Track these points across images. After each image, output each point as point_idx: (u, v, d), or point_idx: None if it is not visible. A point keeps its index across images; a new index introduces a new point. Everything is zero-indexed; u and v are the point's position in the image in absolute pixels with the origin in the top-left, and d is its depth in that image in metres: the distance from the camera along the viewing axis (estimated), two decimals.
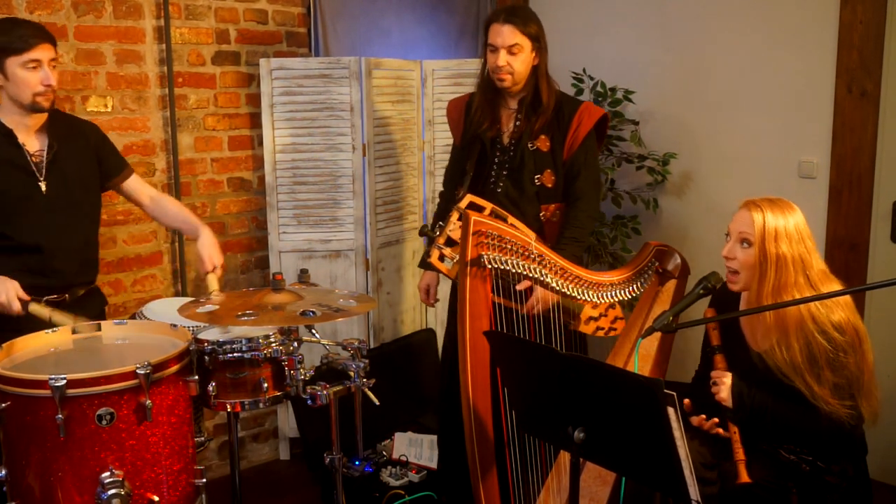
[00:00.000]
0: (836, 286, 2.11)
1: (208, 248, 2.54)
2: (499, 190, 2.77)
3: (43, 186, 2.38)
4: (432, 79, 3.65)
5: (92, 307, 2.54)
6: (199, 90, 3.33)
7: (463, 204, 2.58)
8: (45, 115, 2.41)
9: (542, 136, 2.73)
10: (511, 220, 2.63)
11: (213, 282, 2.50)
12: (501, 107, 2.81)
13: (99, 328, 2.21)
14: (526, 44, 2.67)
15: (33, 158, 2.37)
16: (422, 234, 2.67)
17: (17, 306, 2.23)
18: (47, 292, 2.37)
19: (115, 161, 2.63)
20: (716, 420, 2.17)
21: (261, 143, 3.45)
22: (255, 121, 3.48)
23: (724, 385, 2.14)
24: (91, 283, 2.58)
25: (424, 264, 2.78)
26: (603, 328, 2.58)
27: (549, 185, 2.74)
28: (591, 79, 3.74)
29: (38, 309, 2.29)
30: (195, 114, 3.33)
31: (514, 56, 2.66)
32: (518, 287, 2.47)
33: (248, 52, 3.44)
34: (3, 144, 2.34)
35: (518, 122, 2.76)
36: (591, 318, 2.59)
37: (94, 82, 3.05)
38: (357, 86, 3.36)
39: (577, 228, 2.71)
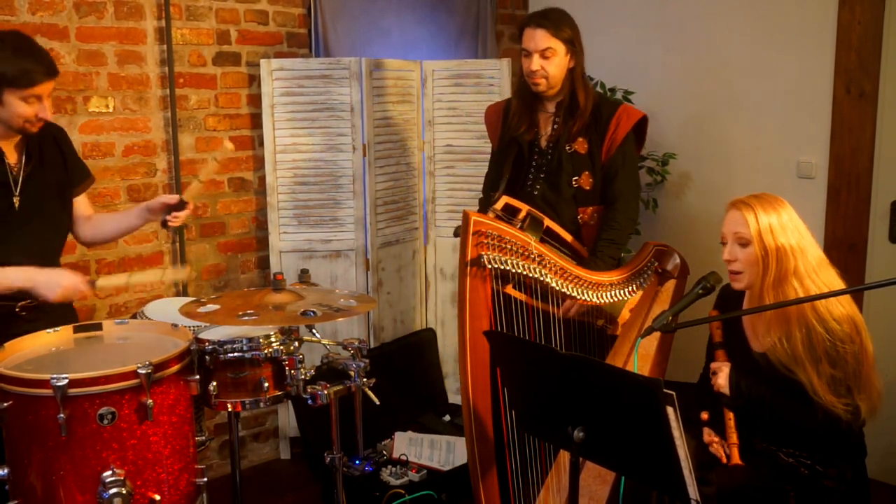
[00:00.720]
0: (834, 273, 2.14)
1: (159, 197, 2.45)
2: (535, 192, 2.74)
3: (16, 202, 2.30)
4: (432, 79, 3.66)
5: (61, 310, 2.42)
6: (200, 91, 3.34)
7: (499, 205, 2.57)
8: None
9: (580, 139, 2.70)
10: (548, 222, 2.63)
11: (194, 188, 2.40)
12: (539, 110, 2.79)
13: (100, 328, 2.22)
14: (559, 47, 2.64)
15: (12, 171, 2.30)
16: (456, 234, 2.65)
17: (85, 287, 2.22)
18: (19, 299, 2.27)
19: (80, 168, 2.54)
20: (715, 439, 2.18)
21: (261, 144, 3.46)
22: (255, 121, 3.48)
23: (722, 373, 2.16)
24: None
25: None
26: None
27: (587, 188, 2.71)
28: (592, 79, 3.74)
29: (106, 281, 2.27)
30: (196, 114, 3.34)
31: (547, 60, 2.64)
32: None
33: (248, 52, 3.44)
34: None
35: (556, 126, 2.74)
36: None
37: (96, 83, 3.05)
38: (357, 86, 3.36)
39: (615, 231, 2.69)
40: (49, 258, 2.39)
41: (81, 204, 2.54)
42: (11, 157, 2.31)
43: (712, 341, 2.29)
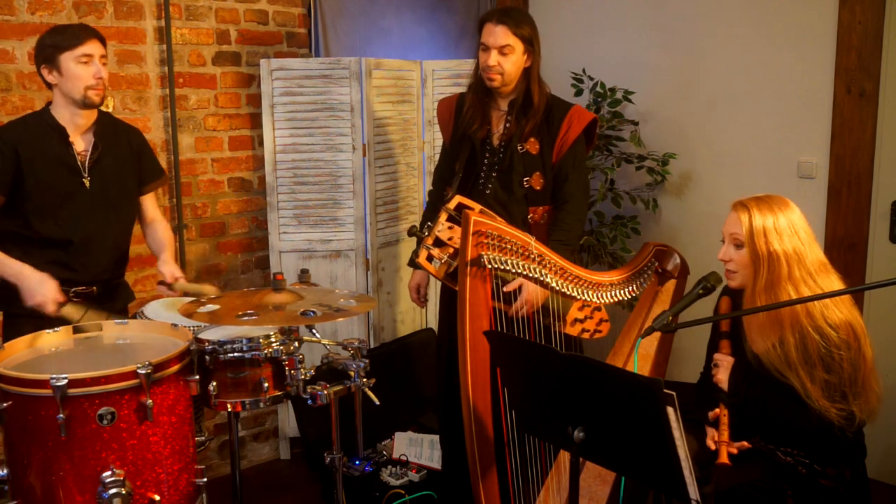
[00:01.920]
0: (834, 278, 2.12)
1: (168, 265, 2.60)
2: (487, 191, 2.77)
3: (87, 183, 2.47)
4: (432, 79, 3.66)
5: (120, 300, 2.64)
6: (200, 90, 3.34)
7: (451, 205, 2.58)
8: (94, 115, 2.50)
9: (532, 139, 2.73)
10: (498, 221, 2.62)
11: (185, 286, 2.53)
12: (492, 108, 2.81)
13: (100, 328, 2.22)
14: (518, 45, 2.67)
15: (79, 157, 2.47)
16: (411, 234, 2.68)
17: (52, 308, 2.31)
18: (73, 284, 2.45)
19: (152, 167, 2.73)
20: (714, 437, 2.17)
21: (261, 144, 3.46)
22: (255, 121, 3.48)
23: (723, 367, 2.16)
24: (119, 278, 2.66)
25: (413, 263, 2.79)
26: (588, 330, 2.58)
27: (538, 188, 2.74)
28: (591, 79, 3.74)
29: (70, 311, 2.36)
30: (196, 114, 3.34)
31: (504, 56, 2.67)
32: (506, 289, 2.47)
33: (248, 52, 3.44)
34: (55, 141, 2.44)
35: (508, 124, 2.77)
36: (576, 320, 2.59)
37: None
38: (357, 86, 3.36)
39: (565, 231, 2.71)
40: (111, 244, 2.56)
41: (149, 205, 2.74)
42: (79, 145, 2.48)
43: (719, 330, 2.27)
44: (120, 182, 2.58)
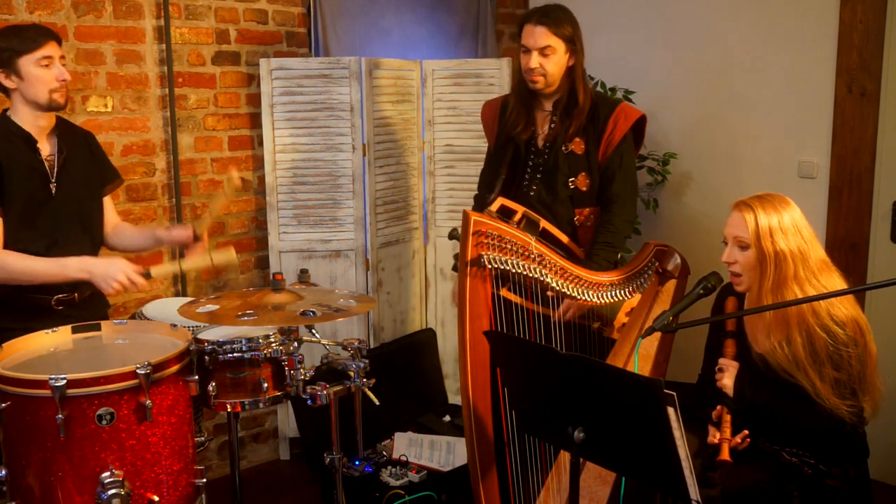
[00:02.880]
0: (836, 276, 2.11)
1: (177, 229, 2.57)
2: (531, 193, 2.72)
3: (53, 189, 2.40)
4: (432, 79, 3.65)
5: (96, 308, 2.54)
6: (200, 90, 3.33)
7: (494, 207, 2.54)
8: (54, 118, 2.44)
9: (577, 139, 2.67)
10: (544, 224, 2.61)
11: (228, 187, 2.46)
12: (536, 109, 2.75)
13: (99, 328, 2.21)
14: (559, 45, 2.61)
15: (47, 162, 2.40)
16: (451, 237, 2.63)
17: (139, 279, 2.28)
18: (57, 291, 2.38)
19: (109, 169, 2.66)
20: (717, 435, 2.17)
21: (261, 143, 3.45)
22: (255, 121, 3.48)
23: (728, 373, 2.14)
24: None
25: (457, 268, 2.76)
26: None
27: (584, 189, 2.69)
28: (592, 79, 3.74)
29: (159, 270, 2.34)
30: (195, 114, 3.33)
31: (546, 58, 2.61)
32: (549, 293, 2.44)
33: (248, 52, 3.44)
34: (24, 149, 2.36)
35: (553, 125, 2.71)
36: (624, 325, 2.58)
37: (95, 82, 3.05)
38: (357, 86, 3.36)
39: (611, 233, 2.66)
40: (89, 247, 2.50)
41: (109, 208, 2.66)
42: (45, 149, 2.41)
43: (724, 329, 2.25)
44: (87, 185, 2.52)
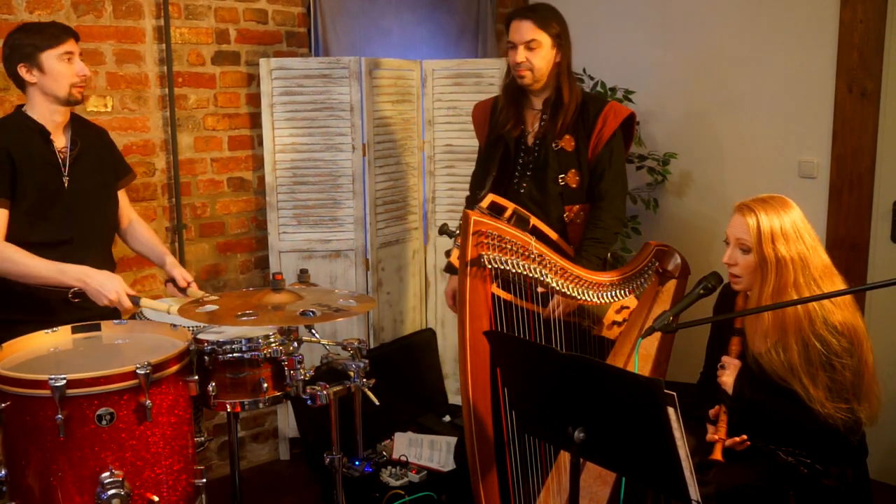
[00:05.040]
0: (839, 281, 2.10)
1: (179, 268, 2.59)
2: (522, 191, 2.74)
3: (66, 182, 2.44)
4: (432, 79, 3.65)
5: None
6: (199, 90, 3.33)
7: (485, 204, 2.55)
8: (69, 113, 2.48)
9: (567, 136, 2.69)
10: (534, 221, 2.61)
11: (196, 293, 2.51)
12: (526, 107, 2.78)
13: (99, 328, 2.21)
14: (545, 40, 2.64)
15: (60, 155, 2.45)
16: (441, 232, 2.63)
17: (127, 303, 2.27)
18: (69, 286, 2.37)
19: (123, 164, 2.72)
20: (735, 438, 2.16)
21: (261, 143, 3.45)
22: (255, 121, 3.47)
23: (730, 371, 2.14)
24: None
25: (449, 268, 2.76)
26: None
27: (574, 186, 2.70)
28: (592, 79, 3.74)
29: (151, 303, 2.34)
30: (195, 114, 3.33)
31: (532, 52, 2.64)
32: (540, 290, 2.45)
33: (247, 52, 3.43)
34: (39, 142, 2.41)
35: (543, 122, 2.73)
36: (614, 323, 2.58)
37: (94, 82, 3.04)
38: (357, 86, 3.36)
39: (601, 230, 2.67)
40: (105, 240, 2.57)
41: (124, 205, 2.70)
42: (59, 142, 2.45)
43: (733, 326, 2.24)
44: (101, 178, 2.56)
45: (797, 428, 2.08)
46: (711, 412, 2.16)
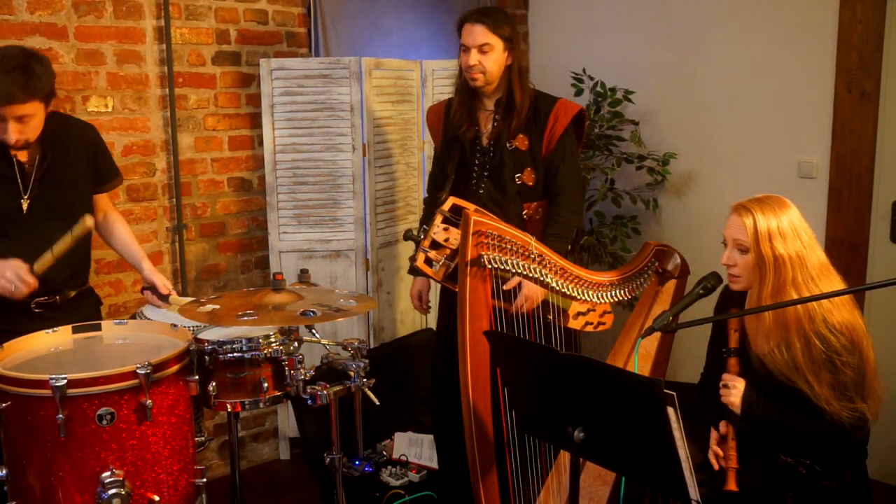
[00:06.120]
0: (836, 279, 2.10)
1: (158, 275, 2.49)
2: (480, 191, 2.79)
3: (25, 205, 2.30)
4: (432, 79, 3.66)
5: (85, 308, 2.49)
6: (200, 90, 3.33)
7: (446, 206, 2.59)
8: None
9: (520, 136, 2.76)
10: (498, 221, 2.62)
11: (178, 300, 2.43)
12: (479, 108, 2.84)
13: (99, 328, 2.21)
14: (497, 43, 2.70)
15: (24, 169, 2.30)
16: (406, 237, 2.70)
17: (23, 290, 2.17)
18: (35, 294, 2.28)
19: (108, 167, 2.58)
20: (719, 453, 2.15)
21: (261, 144, 3.45)
22: (255, 121, 3.48)
23: (735, 390, 2.11)
24: (83, 286, 2.51)
25: (413, 270, 2.79)
26: (592, 322, 2.59)
27: (530, 184, 2.77)
28: (591, 79, 3.74)
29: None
30: (195, 114, 3.33)
31: (484, 55, 2.70)
32: (505, 287, 2.47)
33: (248, 52, 3.44)
34: None
35: (496, 123, 2.79)
36: (579, 314, 2.59)
37: (95, 82, 3.05)
38: (357, 86, 3.36)
39: (560, 224, 2.74)
40: (67, 255, 2.34)
41: (100, 198, 2.59)
42: (23, 156, 2.30)
43: (727, 346, 2.22)
44: (73, 188, 2.41)
45: (807, 437, 2.07)
46: (721, 431, 2.14)
